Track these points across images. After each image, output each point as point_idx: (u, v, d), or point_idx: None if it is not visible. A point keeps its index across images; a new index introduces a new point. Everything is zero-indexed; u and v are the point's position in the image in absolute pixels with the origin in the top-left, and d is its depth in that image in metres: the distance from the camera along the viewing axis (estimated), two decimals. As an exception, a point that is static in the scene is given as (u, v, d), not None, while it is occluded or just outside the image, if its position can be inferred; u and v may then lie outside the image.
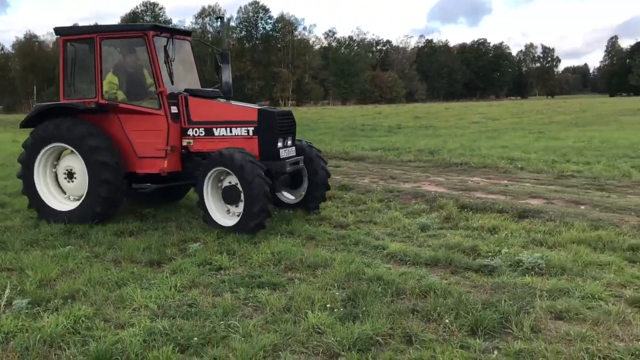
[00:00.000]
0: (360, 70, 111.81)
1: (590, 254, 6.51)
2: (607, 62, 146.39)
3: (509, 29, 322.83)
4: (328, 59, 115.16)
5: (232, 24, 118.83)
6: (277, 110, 8.43)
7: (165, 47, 8.37)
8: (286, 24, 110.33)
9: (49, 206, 8.71)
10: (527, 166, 13.60)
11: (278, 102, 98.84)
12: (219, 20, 8.44)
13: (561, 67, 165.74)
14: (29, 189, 8.81)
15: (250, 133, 8.16)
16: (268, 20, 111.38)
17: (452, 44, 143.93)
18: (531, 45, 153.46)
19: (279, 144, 8.16)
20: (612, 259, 6.31)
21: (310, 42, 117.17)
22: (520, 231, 7.66)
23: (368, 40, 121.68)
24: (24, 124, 9.02)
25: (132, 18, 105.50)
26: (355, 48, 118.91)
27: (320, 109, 69.04)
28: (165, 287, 5.59)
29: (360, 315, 4.83)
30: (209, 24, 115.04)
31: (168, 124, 8.29)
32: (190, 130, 8.48)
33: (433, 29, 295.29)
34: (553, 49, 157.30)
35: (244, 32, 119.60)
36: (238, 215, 7.76)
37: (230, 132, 8.26)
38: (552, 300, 5.11)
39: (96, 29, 8.74)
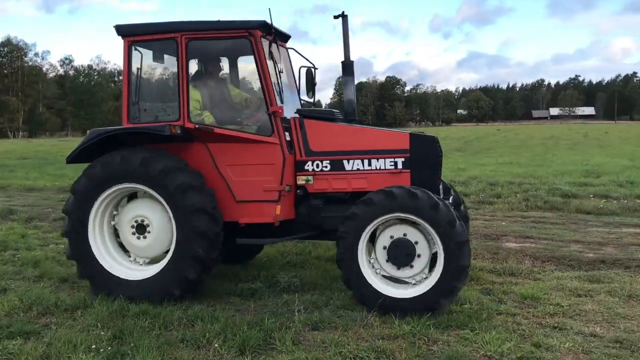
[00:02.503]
0: (101, 101, 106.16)
1: (335, 269, 7.27)
2: (336, 99, 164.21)
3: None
4: (65, 87, 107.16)
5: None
6: (435, 136, 6.45)
7: (270, 52, 6.25)
8: (14, 49, 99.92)
9: (112, 274, 6.22)
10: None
11: (6, 133, 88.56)
12: (341, 18, 6.51)
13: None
14: (80, 251, 6.27)
15: (400, 166, 6.23)
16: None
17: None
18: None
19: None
20: (353, 273, 7.19)
21: (44, 69, 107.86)
22: (276, 255, 8.26)
23: (109, 69, 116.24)
24: (74, 158, 6.43)
25: None
26: (96, 77, 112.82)
27: (57, 140, 63.61)
28: None
29: (129, 351, 4.76)
30: None
31: (284, 156, 6.23)
32: (309, 163, 6.37)
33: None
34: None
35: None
36: (412, 282, 5.82)
37: (369, 165, 6.30)
38: (309, 314, 5.67)
39: (180, 27, 6.30)
